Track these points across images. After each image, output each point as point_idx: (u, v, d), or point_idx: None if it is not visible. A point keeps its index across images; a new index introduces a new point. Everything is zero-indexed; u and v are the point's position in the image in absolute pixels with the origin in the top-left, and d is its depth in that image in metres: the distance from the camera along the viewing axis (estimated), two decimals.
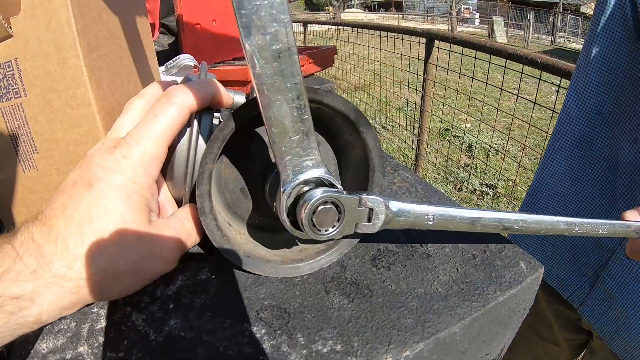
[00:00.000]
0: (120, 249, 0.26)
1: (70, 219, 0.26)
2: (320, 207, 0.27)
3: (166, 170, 0.31)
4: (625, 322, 0.61)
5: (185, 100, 0.29)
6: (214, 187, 0.33)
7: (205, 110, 0.31)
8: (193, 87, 0.30)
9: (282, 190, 0.27)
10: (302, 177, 0.27)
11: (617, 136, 0.60)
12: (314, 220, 0.27)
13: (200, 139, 0.31)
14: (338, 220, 0.28)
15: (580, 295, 0.68)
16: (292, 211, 0.28)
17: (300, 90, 0.24)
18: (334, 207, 0.27)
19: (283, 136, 0.25)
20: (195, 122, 0.30)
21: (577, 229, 0.33)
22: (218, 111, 0.32)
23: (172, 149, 0.30)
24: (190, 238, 0.31)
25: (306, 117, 0.25)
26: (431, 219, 0.30)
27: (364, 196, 0.28)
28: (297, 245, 0.34)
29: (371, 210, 0.28)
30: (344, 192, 0.28)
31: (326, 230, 0.28)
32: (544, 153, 0.74)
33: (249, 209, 0.34)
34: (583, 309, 0.68)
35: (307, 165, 0.27)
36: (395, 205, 0.29)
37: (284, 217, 0.28)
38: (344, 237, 0.32)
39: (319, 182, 0.28)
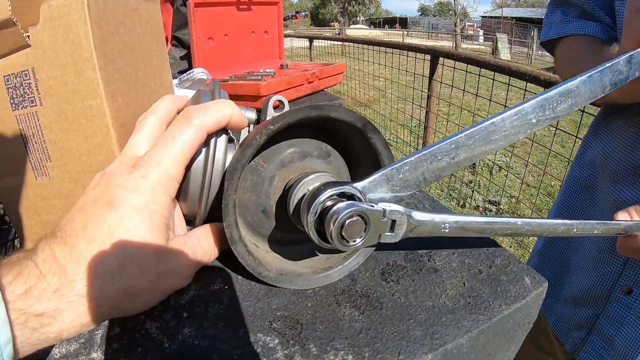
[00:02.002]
0: (140, 268, 0.27)
1: (92, 240, 0.26)
2: (348, 220, 0.27)
3: (180, 188, 0.31)
4: None
5: (203, 122, 0.29)
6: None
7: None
8: (210, 108, 0.30)
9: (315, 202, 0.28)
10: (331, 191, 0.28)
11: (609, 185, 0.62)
12: (342, 233, 0.27)
13: (217, 157, 0.31)
14: (364, 231, 0.28)
15: (577, 345, 0.68)
16: (319, 223, 0.28)
17: None
18: (360, 219, 0.28)
19: None
20: (212, 142, 0.30)
21: (575, 230, 0.35)
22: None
23: (187, 168, 0.30)
24: (206, 255, 0.32)
25: None
26: (447, 227, 0.31)
27: (387, 208, 0.29)
28: (323, 254, 0.35)
29: (394, 221, 0.29)
30: (369, 205, 0.28)
31: (354, 242, 0.28)
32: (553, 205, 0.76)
33: (272, 228, 0.34)
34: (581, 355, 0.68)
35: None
36: (416, 215, 0.30)
37: (312, 230, 0.28)
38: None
39: (347, 195, 0.29)
